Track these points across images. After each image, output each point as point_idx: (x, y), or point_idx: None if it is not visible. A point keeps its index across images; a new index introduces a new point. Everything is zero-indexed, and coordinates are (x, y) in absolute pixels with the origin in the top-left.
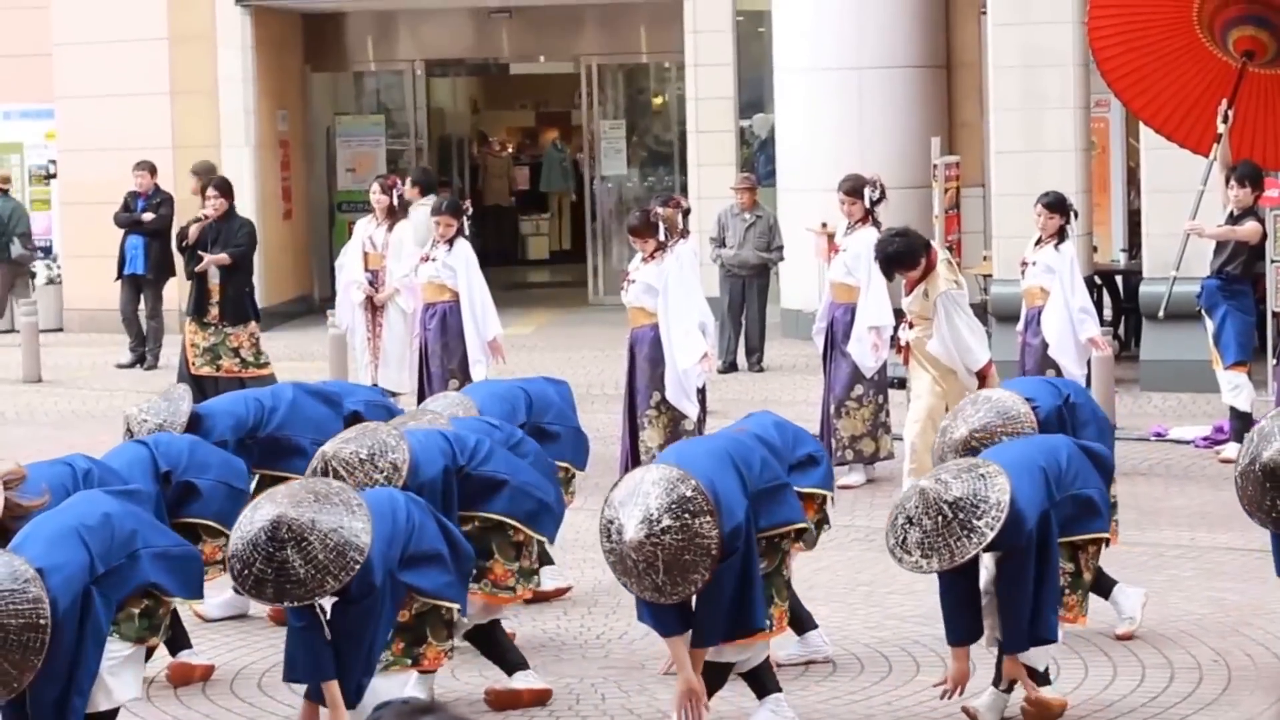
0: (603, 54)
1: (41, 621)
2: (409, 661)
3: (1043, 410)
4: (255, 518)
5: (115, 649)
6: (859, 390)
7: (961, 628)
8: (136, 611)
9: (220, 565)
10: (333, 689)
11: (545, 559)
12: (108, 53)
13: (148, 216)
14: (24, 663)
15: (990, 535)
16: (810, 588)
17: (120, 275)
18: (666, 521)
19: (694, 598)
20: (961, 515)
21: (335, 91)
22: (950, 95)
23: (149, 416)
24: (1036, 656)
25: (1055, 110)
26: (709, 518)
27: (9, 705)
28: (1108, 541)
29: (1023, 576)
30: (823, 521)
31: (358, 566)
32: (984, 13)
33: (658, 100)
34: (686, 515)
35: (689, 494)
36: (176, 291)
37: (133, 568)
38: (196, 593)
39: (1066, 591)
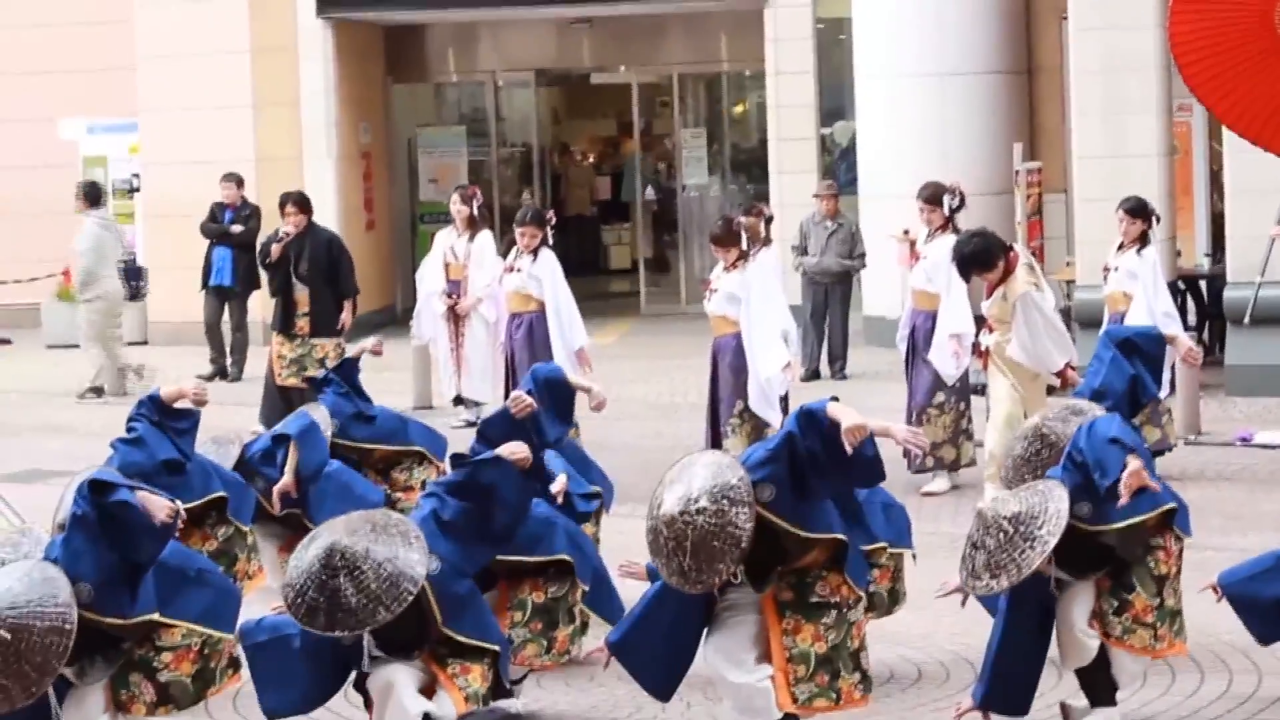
0: (683, 63)
1: (67, 627)
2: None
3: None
4: (311, 547)
5: None
6: (940, 397)
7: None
8: (188, 679)
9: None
10: None
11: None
12: (190, 66)
13: (236, 229)
14: (45, 666)
15: (1053, 542)
16: None
17: (205, 286)
18: (703, 503)
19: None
20: (1022, 528)
21: (417, 103)
22: (1032, 100)
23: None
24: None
25: (1137, 115)
26: (745, 509)
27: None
28: (1182, 524)
29: None
30: (895, 592)
31: (410, 598)
32: (1065, 18)
33: (739, 109)
34: (725, 501)
35: (733, 482)
36: (260, 304)
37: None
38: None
39: (1158, 624)
